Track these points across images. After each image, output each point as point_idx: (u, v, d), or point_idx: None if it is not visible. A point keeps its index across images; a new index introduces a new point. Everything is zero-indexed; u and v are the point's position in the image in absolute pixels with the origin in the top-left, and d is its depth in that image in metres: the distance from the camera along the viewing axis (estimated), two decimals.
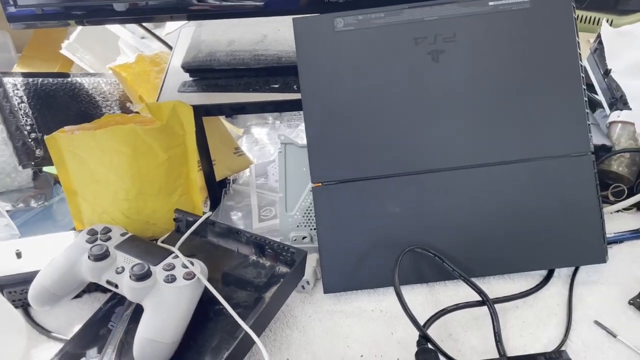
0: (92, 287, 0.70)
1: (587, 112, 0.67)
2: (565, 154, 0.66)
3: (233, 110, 0.74)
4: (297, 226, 0.74)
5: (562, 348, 0.60)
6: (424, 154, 0.67)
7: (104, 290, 0.68)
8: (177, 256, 0.62)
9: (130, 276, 0.58)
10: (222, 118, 0.98)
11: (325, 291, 0.67)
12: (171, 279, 0.58)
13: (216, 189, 0.82)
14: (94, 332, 0.63)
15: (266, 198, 0.82)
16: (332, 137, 0.67)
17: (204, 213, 0.71)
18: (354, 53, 0.67)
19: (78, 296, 0.69)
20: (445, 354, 0.57)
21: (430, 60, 0.67)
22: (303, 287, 0.69)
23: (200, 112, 0.73)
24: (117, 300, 0.66)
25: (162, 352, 0.55)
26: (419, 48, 0.67)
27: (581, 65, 0.67)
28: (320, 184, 0.68)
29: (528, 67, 0.67)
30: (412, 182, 0.67)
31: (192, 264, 0.61)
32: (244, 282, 0.64)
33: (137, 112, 0.74)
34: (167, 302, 0.57)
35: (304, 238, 0.73)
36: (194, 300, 0.58)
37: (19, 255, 0.71)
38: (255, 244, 0.67)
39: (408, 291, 0.68)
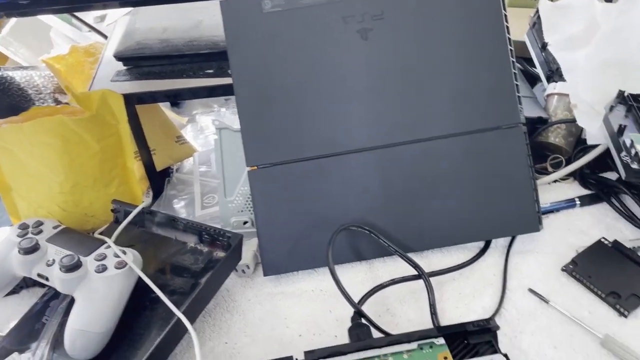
0: (30, 282, 0.69)
1: (517, 85, 0.68)
2: (496, 126, 0.67)
3: (166, 97, 0.73)
4: (240, 211, 0.73)
5: (496, 316, 0.61)
6: (357, 132, 0.67)
7: (42, 285, 0.67)
8: (110, 246, 0.61)
9: (60, 268, 0.57)
10: (165, 107, 0.97)
11: (265, 274, 0.67)
12: (102, 269, 0.58)
13: (157, 179, 0.81)
14: (30, 326, 0.62)
15: (209, 185, 0.82)
16: (265, 120, 0.67)
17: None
18: (283, 34, 0.67)
19: (15, 292, 0.68)
20: (377, 327, 0.58)
21: (359, 38, 0.67)
22: (244, 271, 0.69)
23: (133, 100, 0.72)
24: (53, 294, 0.65)
25: (93, 342, 0.54)
26: (348, 27, 0.67)
27: (509, 38, 0.67)
28: (256, 167, 0.67)
29: (456, 42, 0.67)
30: (347, 161, 0.67)
31: (124, 253, 0.60)
32: (181, 269, 0.64)
33: (66, 103, 0.73)
34: (97, 292, 0.56)
35: (245, 223, 0.73)
36: (126, 289, 0.58)
37: None
38: (193, 230, 0.67)
39: (348, 269, 0.68)
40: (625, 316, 0.59)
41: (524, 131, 0.68)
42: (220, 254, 0.64)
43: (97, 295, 0.56)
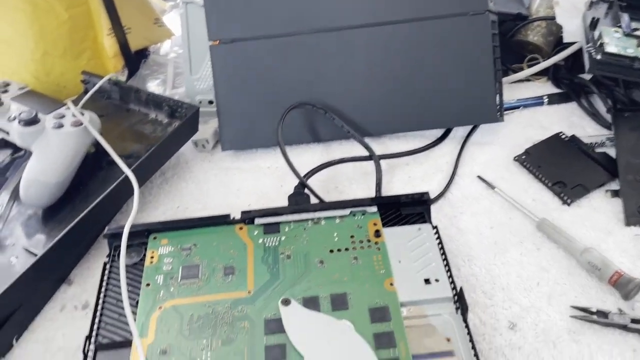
0: (1, 143, 0.72)
1: None
2: (463, 12, 0.66)
3: None
4: (210, 90, 0.74)
5: (441, 199, 0.62)
6: (319, 12, 0.66)
7: (10, 145, 0.69)
8: (69, 108, 0.63)
9: (18, 122, 0.60)
10: None
11: (223, 148, 0.69)
12: (58, 126, 0.60)
13: (132, 58, 0.82)
14: None
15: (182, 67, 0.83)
16: None
17: None
18: None
19: None
20: (316, 195, 0.59)
21: None
22: (204, 146, 0.70)
23: None
24: (17, 152, 0.68)
25: (46, 190, 0.57)
26: None
27: None
28: (218, 42, 0.68)
29: None
30: (310, 41, 0.67)
31: (82, 114, 0.62)
32: (141, 136, 0.66)
33: None
34: (52, 146, 0.59)
35: (210, 102, 0.74)
36: (80, 146, 0.60)
37: None
38: (154, 103, 0.68)
39: (305, 150, 0.69)
40: (569, 204, 0.59)
41: (491, 20, 0.66)
42: (178, 124, 0.66)
43: (52, 149, 0.59)
